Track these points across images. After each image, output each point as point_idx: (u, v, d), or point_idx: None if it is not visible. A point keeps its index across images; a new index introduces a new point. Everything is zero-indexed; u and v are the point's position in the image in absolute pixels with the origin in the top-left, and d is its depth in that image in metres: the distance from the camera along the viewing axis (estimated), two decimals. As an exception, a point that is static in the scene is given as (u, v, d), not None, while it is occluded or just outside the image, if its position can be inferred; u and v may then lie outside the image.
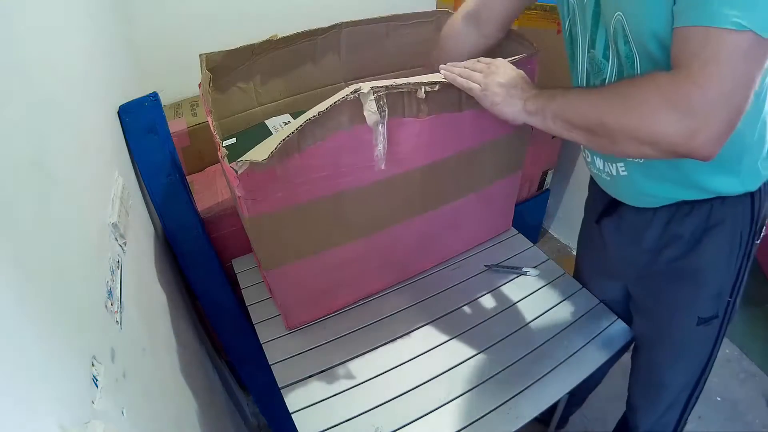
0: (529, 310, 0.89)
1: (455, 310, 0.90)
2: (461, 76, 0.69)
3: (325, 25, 0.93)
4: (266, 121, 0.95)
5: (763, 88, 0.54)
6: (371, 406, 0.73)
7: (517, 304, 0.91)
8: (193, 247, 0.95)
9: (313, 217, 0.74)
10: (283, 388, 0.76)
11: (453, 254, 1.02)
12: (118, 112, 0.81)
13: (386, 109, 0.67)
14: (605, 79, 0.63)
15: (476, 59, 0.73)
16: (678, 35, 0.47)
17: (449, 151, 0.82)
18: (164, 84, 1.15)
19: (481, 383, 0.76)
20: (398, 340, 0.84)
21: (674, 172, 0.63)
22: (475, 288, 0.94)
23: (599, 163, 0.73)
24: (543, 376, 0.77)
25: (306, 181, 0.69)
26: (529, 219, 1.77)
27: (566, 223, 1.90)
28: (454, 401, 0.74)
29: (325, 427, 0.70)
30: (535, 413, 0.72)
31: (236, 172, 0.60)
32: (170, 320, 0.79)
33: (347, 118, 0.66)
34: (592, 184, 0.84)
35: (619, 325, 0.85)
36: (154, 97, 0.84)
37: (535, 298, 0.92)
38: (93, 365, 0.41)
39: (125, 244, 0.63)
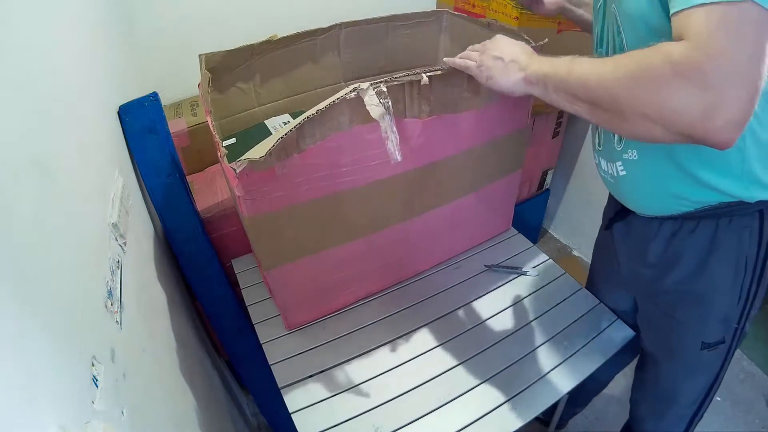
0: (529, 310, 0.89)
1: (455, 310, 0.90)
2: (460, 59, 0.70)
3: (325, 25, 0.94)
4: (266, 121, 0.95)
5: None
6: (371, 406, 0.73)
7: (517, 304, 0.91)
8: (193, 247, 0.95)
9: (312, 216, 0.74)
10: (283, 388, 0.76)
11: (453, 254, 1.02)
12: (118, 112, 0.81)
13: (389, 101, 0.65)
14: None
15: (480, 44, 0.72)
16: (677, 20, 0.45)
17: (449, 151, 0.82)
18: (164, 84, 1.15)
19: (480, 383, 0.76)
20: (398, 340, 0.84)
21: (671, 166, 0.61)
22: (475, 288, 0.94)
23: (603, 164, 0.72)
24: (543, 376, 0.77)
25: (306, 181, 0.69)
26: (529, 219, 1.77)
27: (566, 223, 1.90)
28: (454, 401, 0.74)
29: (325, 427, 0.70)
30: (535, 413, 0.72)
31: (235, 171, 0.60)
32: (170, 320, 0.79)
33: (347, 118, 0.66)
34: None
35: (619, 326, 0.85)
36: (154, 97, 0.84)
37: (535, 298, 0.92)
38: (93, 365, 0.41)
39: (125, 244, 0.63)
